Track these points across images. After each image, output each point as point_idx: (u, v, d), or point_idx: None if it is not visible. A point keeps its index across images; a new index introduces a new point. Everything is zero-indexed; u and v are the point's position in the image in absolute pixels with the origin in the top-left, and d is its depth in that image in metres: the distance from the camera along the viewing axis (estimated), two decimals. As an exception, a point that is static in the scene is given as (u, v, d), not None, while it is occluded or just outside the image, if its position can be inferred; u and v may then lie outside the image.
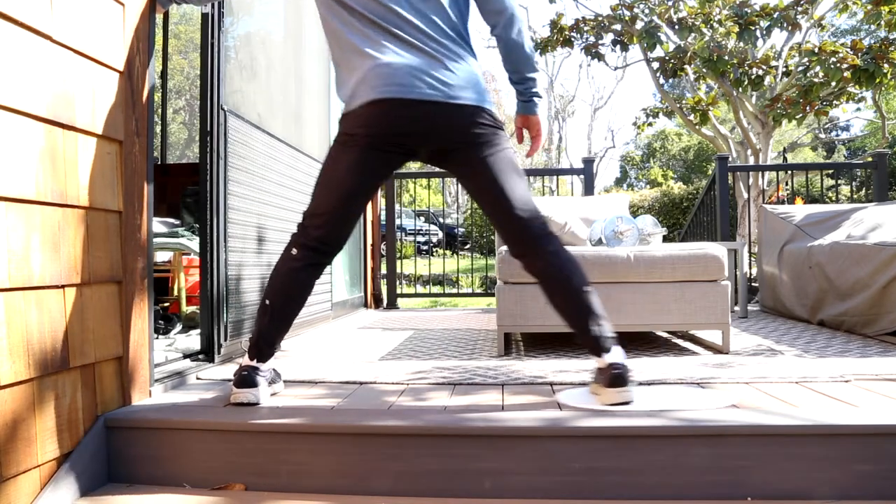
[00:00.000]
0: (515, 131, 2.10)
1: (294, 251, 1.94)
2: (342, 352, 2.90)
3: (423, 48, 1.84)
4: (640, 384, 2.11)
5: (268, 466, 1.72)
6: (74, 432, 1.67)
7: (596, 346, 1.87)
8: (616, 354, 1.87)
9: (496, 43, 1.98)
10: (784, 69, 8.44)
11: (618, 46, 8.74)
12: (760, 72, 8.05)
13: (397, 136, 1.87)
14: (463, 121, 1.86)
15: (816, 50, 7.35)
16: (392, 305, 5.27)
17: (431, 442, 1.68)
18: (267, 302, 1.93)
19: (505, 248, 2.78)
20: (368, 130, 1.87)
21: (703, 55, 7.86)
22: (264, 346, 1.94)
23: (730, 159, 5.41)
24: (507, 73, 2.03)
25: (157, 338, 3.25)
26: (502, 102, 29.10)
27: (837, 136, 23.78)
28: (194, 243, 3.32)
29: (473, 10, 1.99)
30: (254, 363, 1.93)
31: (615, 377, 1.82)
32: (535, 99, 2.04)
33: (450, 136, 1.88)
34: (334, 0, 1.89)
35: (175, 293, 3.67)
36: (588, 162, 5.26)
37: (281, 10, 3.37)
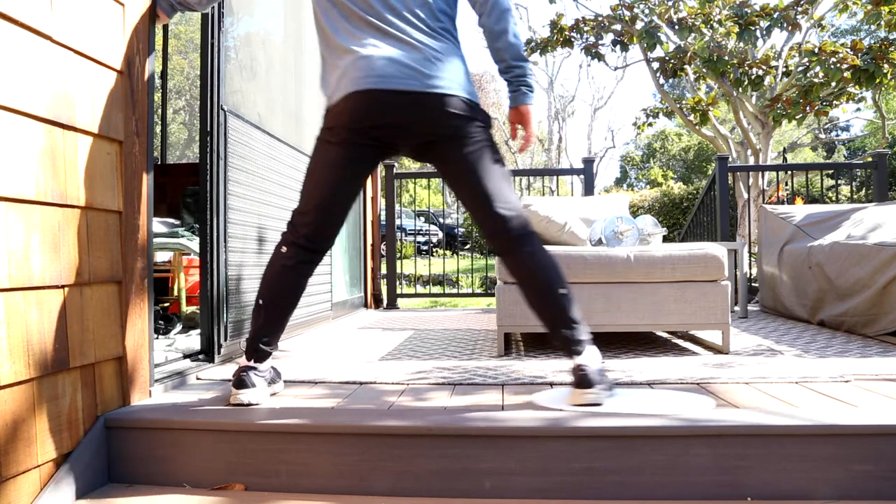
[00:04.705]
0: (510, 127, 2.06)
1: (284, 249, 1.94)
2: (342, 352, 2.90)
3: (403, 38, 1.84)
4: (627, 385, 2.11)
5: (268, 466, 1.72)
6: (74, 432, 1.67)
7: (567, 348, 1.88)
8: (586, 357, 1.87)
9: (483, 33, 1.95)
10: (784, 69, 8.43)
11: (618, 46, 8.74)
12: (760, 72, 8.05)
13: (376, 128, 1.86)
14: (442, 110, 1.84)
15: (816, 50, 7.35)
16: (392, 305, 5.27)
17: (431, 442, 1.68)
18: (260, 302, 1.93)
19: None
20: (348, 124, 1.86)
21: (703, 55, 7.86)
22: (261, 346, 1.94)
23: (730, 159, 5.41)
24: (495, 64, 1.98)
25: (157, 338, 3.25)
26: (501, 103, 29.08)
27: (837, 136, 23.77)
28: (194, 243, 3.32)
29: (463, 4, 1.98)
30: (251, 363, 1.93)
31: (580, 378, 1.84)
32: (524, 88, 1.96)
33: (429, 128, 1.86)
34: None
35: (175, 293, 3.67)
36: (588, 162, 5.26)
37: (281, 10, 3.37)
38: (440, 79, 1.83)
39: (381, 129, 1.87)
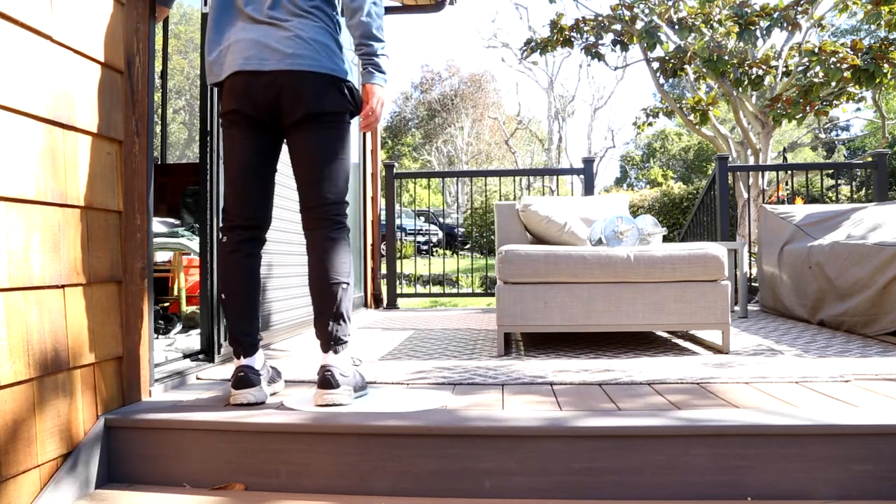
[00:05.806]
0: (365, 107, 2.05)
1: (223, 238, 2.00)
2: (342, 352, 2.89)
3: (269, 21, 1.89)
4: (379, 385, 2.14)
5: (268, 466, 1.72)
6: (74, 432, 1.67)
7: (325, 342, 1.92)
8: (338, 358, 1.91)
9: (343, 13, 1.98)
10: (784, 69, 8.43)
11: (618, 46, 8.74)
12: (760, 72, 8.05)
13: (252, 108, 1.91)
14: (299, 86, 1.88)
15: (816, 50, 7.35)
16: (392, 305, 5.27)
17: (431, 442, 1.68)
18: (223, 296, 1.98)
19: (505, 248, 2.79)
20: (230, 107, 1.93)
21: (703, 55, 7.86)
22: (241, 338, 1.95)
23: (730, 159, 5.41)
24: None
25: (157, 338, 3.25)
26: (501, 102, 29.09)
27: (837, 136, 23.78)
28: (194, 243, 3.32)
29: None
30: (246, 361, 1.94)
31: (324, 379, 1.88)
32: (370, 67, 1.97)
33: (291, 104, 1.89)
34: None
35: (175, 293, 3.67)
36: (588, 162, 5.26)
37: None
38: (298, 56, 1.87)
39: (256, 108, 1.91)
